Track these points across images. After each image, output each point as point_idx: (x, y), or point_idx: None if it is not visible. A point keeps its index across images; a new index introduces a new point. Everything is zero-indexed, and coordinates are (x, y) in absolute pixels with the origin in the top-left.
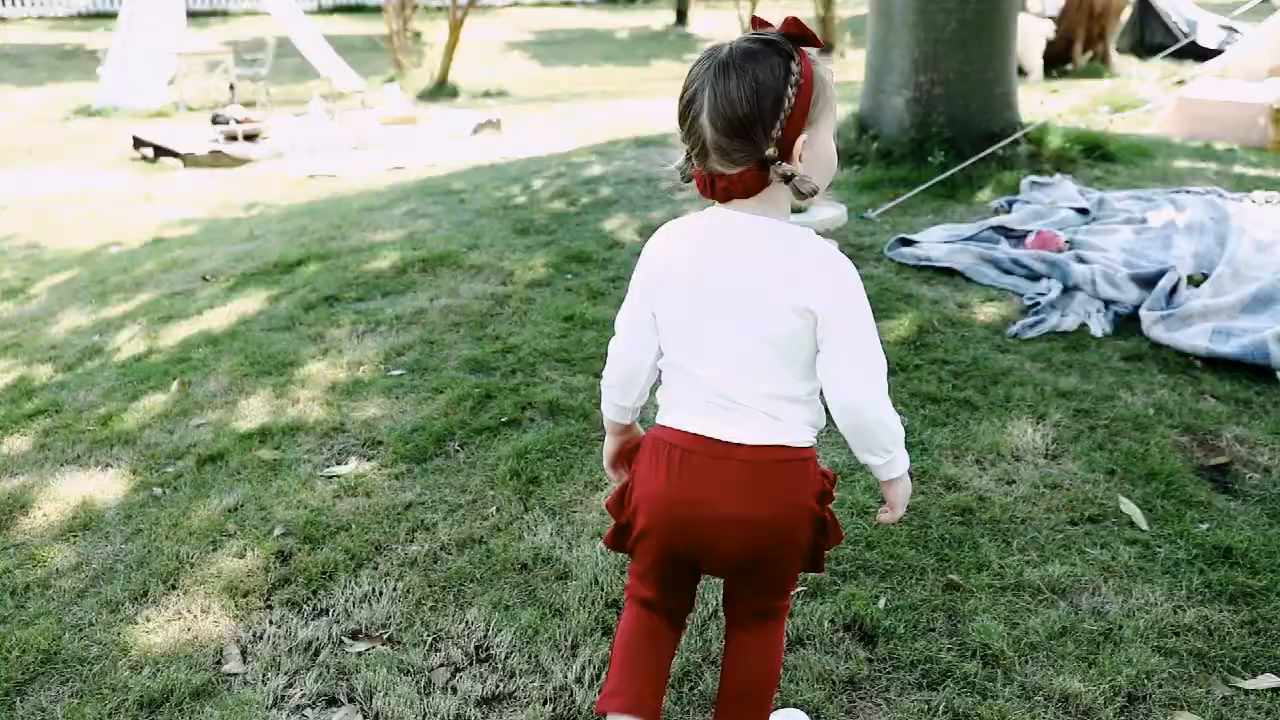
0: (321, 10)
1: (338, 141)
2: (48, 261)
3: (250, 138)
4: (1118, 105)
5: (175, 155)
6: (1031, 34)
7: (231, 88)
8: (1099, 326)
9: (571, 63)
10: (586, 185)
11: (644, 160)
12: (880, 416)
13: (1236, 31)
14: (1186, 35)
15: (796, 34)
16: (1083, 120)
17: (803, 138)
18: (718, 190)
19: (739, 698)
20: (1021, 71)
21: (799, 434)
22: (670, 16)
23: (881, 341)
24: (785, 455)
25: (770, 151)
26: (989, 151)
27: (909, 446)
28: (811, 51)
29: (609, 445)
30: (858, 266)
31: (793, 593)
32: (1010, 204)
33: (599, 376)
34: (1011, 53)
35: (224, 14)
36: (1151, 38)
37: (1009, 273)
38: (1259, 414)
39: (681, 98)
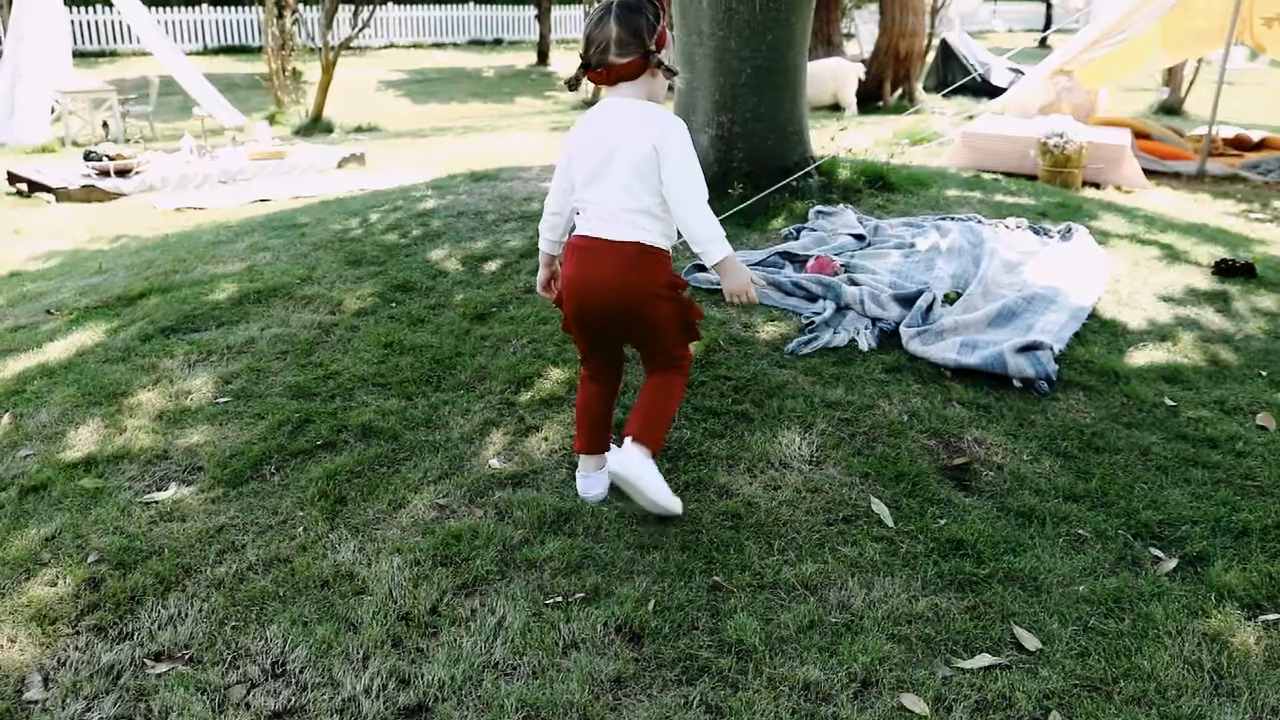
0: (207, 51)
1: (208, 176)
2: None
3: (122, 173)
4: (915, 138)
5: (48, 190)
6: (847, 75)
7: (105, 125)
8: (865, 342)
9: (441, 100)
10: (419, 218)
11: (475, 194)
12: (694, 213)
13: (1022, 73)
14: (982, 76)
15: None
16: (886, 151)
17: (666, 49)
18: (611, 76)
19: (639, 410)
20: (840, 108)
21: (654, 239)
22: (533, 57)
23: None
24: (642, 250)
25: (651, 46)
26: (783, 184)
27: (690, 458)
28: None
29: (542, 274)
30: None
31: (688, 353)
32: (799, 231)
33: (411, 400)
34: (801, 95)
35: (113, 54)
36: (953, 77)
37: (790, 294)
38: (996, 418)
39: (589, 24)
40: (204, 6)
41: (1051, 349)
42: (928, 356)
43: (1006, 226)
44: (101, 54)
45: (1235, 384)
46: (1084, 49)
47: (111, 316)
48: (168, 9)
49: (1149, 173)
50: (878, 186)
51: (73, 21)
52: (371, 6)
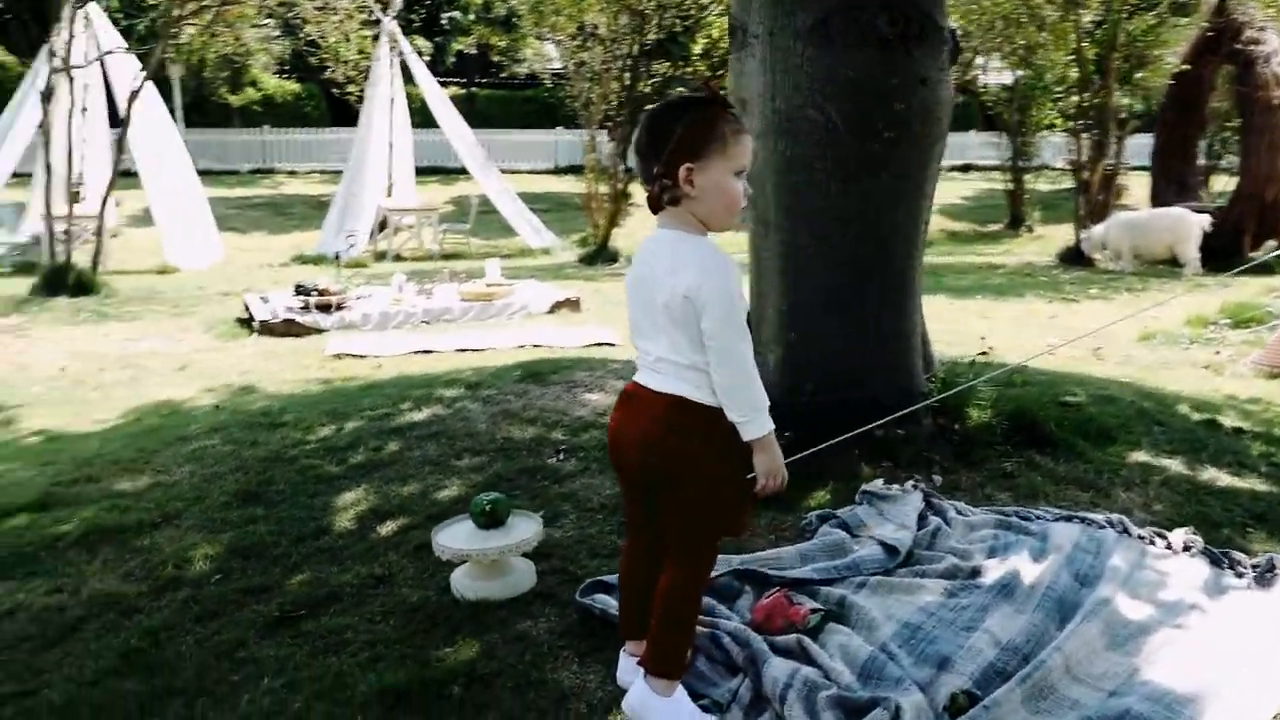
0: (557, 170)
1: (410, 315)
2: None
3: (324, 309)
4: (1242, 317)
5: (255, 321)
6: (1188, 227)
7: (337, 256)
8: None
9: None
10: (385, 436)
11: (497, 403)
12: (729, 378)
13: None
14: None
15: (711, 97)
16: (1193, 333)
17: (688, 165)
18: (650, 202)
19: (651, 631)
20: (1177, 263)
21: (698, 394)
22: None
23: None
24: (682, 405)
25: (656, 170)
26: (859, 432)
27: None
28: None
29: None
30: (530, 622)
31: (711, 550)
32: (818, 522)
33: None
34: (911, 305)
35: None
36: None
37: (710, 658)
38: None
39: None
40: (559, 129)
41: None
42: None
43: (1167, 544)
44: (463, 171)
45: None
46: None
47: None
48: (526, 131)
49: None
50: (1021, 440)
51: (429, 141)
52: None
